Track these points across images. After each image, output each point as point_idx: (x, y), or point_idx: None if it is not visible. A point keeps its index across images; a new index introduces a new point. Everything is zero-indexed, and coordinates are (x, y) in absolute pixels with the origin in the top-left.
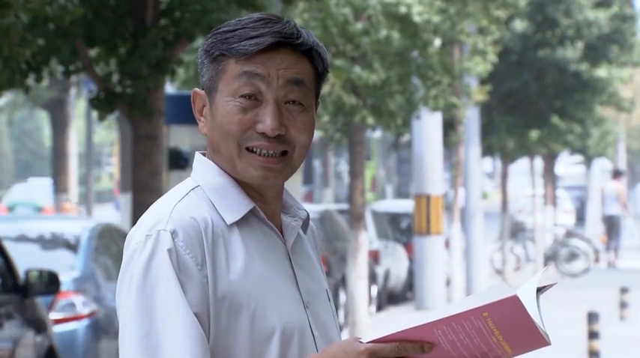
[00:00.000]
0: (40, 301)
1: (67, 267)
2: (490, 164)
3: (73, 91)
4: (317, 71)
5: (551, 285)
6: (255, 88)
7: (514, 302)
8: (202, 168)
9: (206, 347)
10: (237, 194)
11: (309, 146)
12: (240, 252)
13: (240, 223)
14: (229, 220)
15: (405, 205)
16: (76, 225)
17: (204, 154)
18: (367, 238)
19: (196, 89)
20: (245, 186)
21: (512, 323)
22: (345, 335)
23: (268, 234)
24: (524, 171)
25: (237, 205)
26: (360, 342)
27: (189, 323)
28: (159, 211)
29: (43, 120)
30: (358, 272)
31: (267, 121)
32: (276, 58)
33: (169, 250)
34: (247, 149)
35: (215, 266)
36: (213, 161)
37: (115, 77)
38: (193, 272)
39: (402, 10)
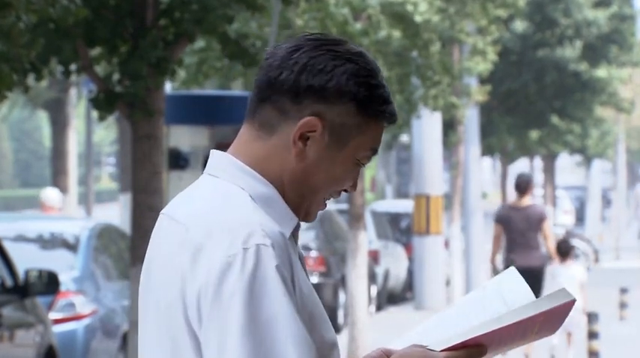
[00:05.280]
0: (40, 301)
1: (67, 267)
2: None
3: (72, 91)
4: None
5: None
6: None
7: (569, 304)
8: (243, 174)
9: None
10: (284, 207)
11: None
12: (298, 265)
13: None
14: (286, 233)
15: (405, 205)
16: (76, 225)
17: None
18: (367, 238)
19: (319, 119)
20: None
21: (555, 317)
22: (344, 334)
23: (296, 248)
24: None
25: (285, 218)
26: (430, 350)
27: (305, 337)
28: (239, 221)
29: (42, 120)
30: (358, 273)
31: (355, 184)
32: None
33: (277, 266)
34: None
35: (294, 279)
36: (251, 168)
37: (115, 77)
38: (290, 287)
39: (409, 8)
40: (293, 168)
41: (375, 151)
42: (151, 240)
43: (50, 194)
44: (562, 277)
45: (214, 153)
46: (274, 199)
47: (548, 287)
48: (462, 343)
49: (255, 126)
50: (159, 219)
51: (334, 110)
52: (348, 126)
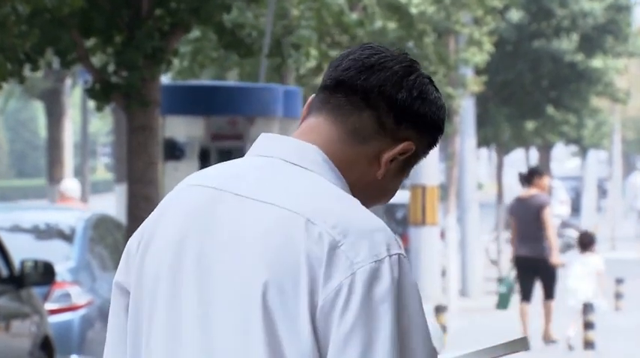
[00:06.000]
0: (36, 291)
1: (63, 258)
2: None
3: (68, 81)
4: None
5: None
6: None
7: (524, 350)
8: (332, 173)
9: None
10: None
11: None
12: None
13: None
14: None
15: (401, 196)
16: (72, 216)
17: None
18: None
19: (413, 144)
20: None
21: None
22: None
23: None
24: (519, 162)
25: None
26: None
27: (434, 347)
28: (372, 224)
29: (38, 110)
30: None
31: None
32: None
33: (416, 282)
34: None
35: None
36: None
37: (111, 68)
38: None
39: (403, 0)
40: (370, 180)
41: None
42: (188, 211)
43: (70, 185)
44: (578, 264)
45: (289, 140)
46: None
47: (562, 276)
48: None
49: (345, 129)
50: (202, 190)
51: (421, 138)
52: (422, 153)
